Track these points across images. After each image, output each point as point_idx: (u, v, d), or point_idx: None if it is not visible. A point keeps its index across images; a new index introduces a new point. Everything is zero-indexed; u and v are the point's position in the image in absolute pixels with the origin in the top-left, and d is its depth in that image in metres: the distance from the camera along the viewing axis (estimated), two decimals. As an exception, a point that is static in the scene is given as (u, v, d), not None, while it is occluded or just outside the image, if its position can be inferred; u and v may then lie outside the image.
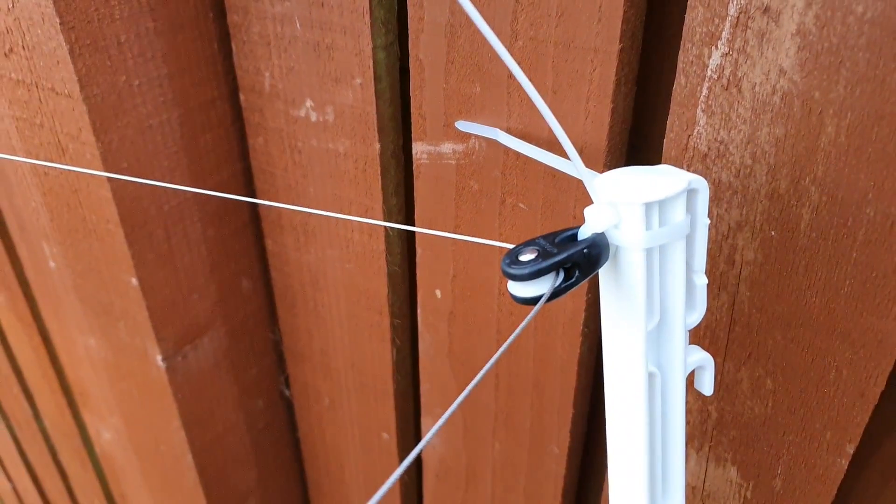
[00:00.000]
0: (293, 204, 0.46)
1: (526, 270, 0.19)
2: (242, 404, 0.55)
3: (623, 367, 0.23)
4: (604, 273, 0.22)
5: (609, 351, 0.23)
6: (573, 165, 0.22)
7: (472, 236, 0.37)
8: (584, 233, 0.21)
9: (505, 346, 0.19)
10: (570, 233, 0.21)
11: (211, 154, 0.46)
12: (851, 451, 0.31)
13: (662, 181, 0.21)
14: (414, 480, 0.56)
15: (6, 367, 1.00)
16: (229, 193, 0.47)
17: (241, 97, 0.44)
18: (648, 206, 0.20)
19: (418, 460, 0.53)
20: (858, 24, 0.23)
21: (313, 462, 0.61)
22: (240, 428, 0.56)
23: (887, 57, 0.23)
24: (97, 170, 0.41)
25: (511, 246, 0.21)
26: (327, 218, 0.45)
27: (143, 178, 0.42)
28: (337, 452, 0.58)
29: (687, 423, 0.35)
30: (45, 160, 0.44)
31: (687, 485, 0.37)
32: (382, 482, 0.56)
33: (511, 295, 0.20)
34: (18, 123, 0.44)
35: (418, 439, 0.53)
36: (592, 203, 0.21)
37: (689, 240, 0.22)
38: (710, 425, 0.34)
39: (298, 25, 0.39)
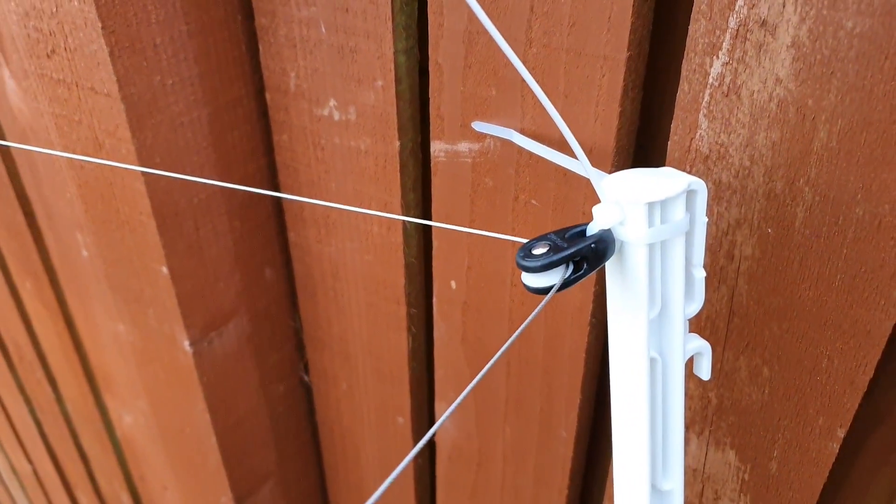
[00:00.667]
0: (315, 197, 0.48)
1: (538, 263, 0.22)
2: (264, 388, 0.58)
3: (627, 352, 0.25)
4: (610, 266, 0.24)
5: (614, 338, 0.25)
6: (581, 166, 0.24)
7: (487, 230, 0.39)
8: (592, 229, 0.23)
9: (517, 333, 0.21)
10: (578, 229, 0.23)
11: (237, 150, 0.48)
12: (842, 436, 0.33)
13: (664, 182, 0.23)
14: (427, 463, 0.58)
15: (30, 353, 1.03)
16: (254, 187, 0.49)
17: (267, 96, 0.47)
18: (651, 206, 0.22)
19: (432, 444, 0.55)
20: (848, 37, 0.25)
21: (330, 445, 0.64)
22: (261, 411, 0.59)
23: (874, 68, 0.25)
24: (132, 164, 0.43)
25: (524, 240, 0.23)
26: (348, 211, 0.47)
27: (175, 173, 0.45)
28: (353, 436, 0.60)
29: (688, 408, 0.37)
30: (82, 154, 0.47)
31: (688, 467, 0.39)
32: (397, 464, 0.59)
33: (524, 285, 0.22)
34: (58, 120, 0.47)
35: (432, 423, 0.55)
36: (600, 202, 0.24)
37: (689, 236, 0.24)
38: (710, 411, 0.37)
39: (324, 29, 0.41)
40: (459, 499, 0.54)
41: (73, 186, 0.51)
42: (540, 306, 0.21)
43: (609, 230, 0.23)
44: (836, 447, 0.33)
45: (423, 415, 0.55)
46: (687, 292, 0.25)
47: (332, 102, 0.43)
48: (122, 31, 0.40)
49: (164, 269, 0.47)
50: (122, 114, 0.41)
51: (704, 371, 0.27)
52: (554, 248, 0.22)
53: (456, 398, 0.48)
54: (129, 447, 0.94)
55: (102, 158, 0.45)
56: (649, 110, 0.35)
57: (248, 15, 0.45)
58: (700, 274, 0.25)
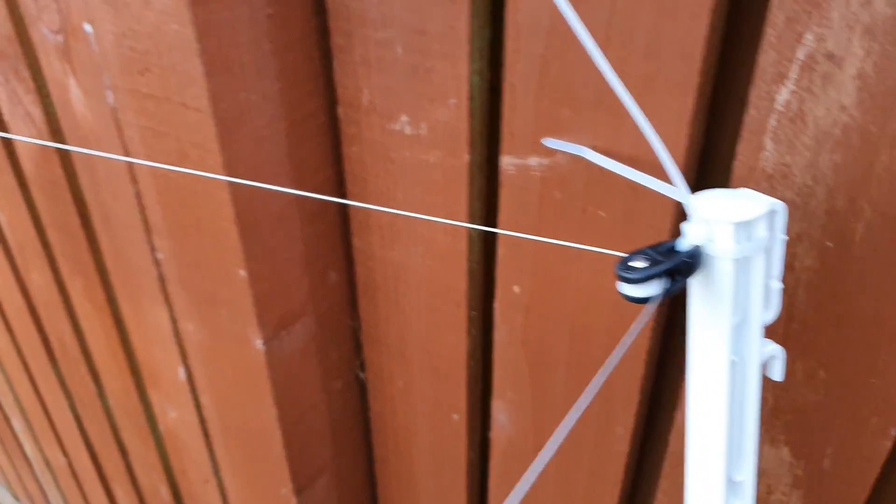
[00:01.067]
0: (383, 206, 0.51)
1: (640, 275, 0.24)
2: (324, 385, 0.61)
3: (709, 355, 0.27)
4: (696, 278, 0.27)
5: (696, 342, 0.28)
6: (665, 184, 0.27)
7: (554, 240, 0.42)
8: (684, 245, 0.26)
9: (627, 343, 0.23)
10: (669, 245, 0.26)
11: (310, 160, 0.51)
12: (895, 434, 0.35)
13: (748, 203, 0.26)
14: (478, 458, 0.61)
15: (75, 349, 1.07)
16: (324, 195, 0.52)
17: (340, 110, 0.50)
18: (738, 225, 0.25)
19: (486, 441, 0.58)
20: (913, 72, 0.28)
21: (382, 440, 0.67)
22: (321, 407, 0.62)
23: (937, 100, 0.28)
24: (219, 174, 0.46)
25: (611, 252, 0.26)
26: (413, 219, 0.50)
27: (256, 182, 0.48)
28: (406, 431, 0.63)
29: (744, 407, 0.40)
30: (166, 164, 0.50)
31: (741, 463, 0.42)
32: (449, 459, 0.62)
33: (624, 296, 0.25)
34: (143, 132, 0.50)
35: (486, 420, 0.58)
36: (669, 215, 0.26)
37: (769, 252, 0.27)
38: (766, 410, 0.39)
39: (400, 50, 0.44)
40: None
41: (153, 193, 0.54)
42: (645, 315, 0.24)
43: (699, 246, 0.26)
44: (888, 445, 0.35)
45: (477, 412, 0.58)
46: (765, 302, 0.28)
47: (405, 118, 0.46)
48: (214, 52, 0.43)
49: (243, 273, 0.50)
50: (212, 128, 0.45)
51: (777, 373, 0.29)
52: (653, 262, 0.25)
53: (514, 396, 0.51)
54: (171, 441, 0.97)
55: (188, 168, 0.48)
56: (710, 131, 0.37)
57: (324, 34, 0.48)
58: (777, 286, 0.28)
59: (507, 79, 0.40)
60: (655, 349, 0.44)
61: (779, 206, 0.26)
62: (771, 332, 0.37)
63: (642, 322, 0.25)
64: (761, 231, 0.26)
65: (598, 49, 0.22)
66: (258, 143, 0.47)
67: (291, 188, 0.50)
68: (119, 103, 0.51)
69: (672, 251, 0.26)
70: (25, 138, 0.71)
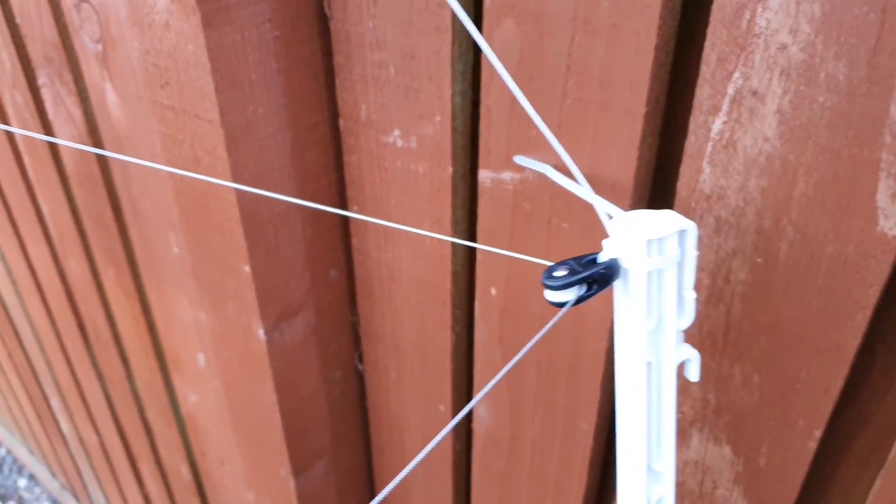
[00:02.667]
0: (378, 209, 0.56)
1: (558, 283, 0.28)
2: (323, 374, 0.66)
3: (629, 356, 0.31)
4: (617, 287, 0.31)
5: (619, 344, 0.32)
6: (603, 202, 0.31)
7: (524, 247, 0.46)
8: (603, 258, 0.30)
9: (539, 336, 0.27)
10: (591, 257, 0.30)
11: (312, 167, 0.56)
12: (819, 436, 0.38)
13: (663, 223, 0.30)
14: (464, 448, 0.65)
15: (106, 333, 1.14)
16: (325, 200, 0.57)
17: (341, 122, 0.54)
18: (650, 242, 0.29)
19: (469, 431, 0.62)
20: (820, 109, 0.31)
21: (378, 427, 0.71)
22: (320, 394, 0.67)
23: (841, 135, 0.31)
24: (227, 179, 0.51)
25: (549, 263, 0.30)
26: (404, 221, 0.55)
27: (261, 188, 0.53)
28: (399, 420, 0.68)
29: (691, 409, 0.43)
30: (181, 168, 0.56)
31: (690, 459, 0.45)
32: (437, 449, 0.66)
33: (546, 300, 0.29)
34: (164, 138, 0.56)
35: (470, 412, 0.62)
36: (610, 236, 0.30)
37: (681, 266, 0.30)
38: (709, 411, 0.43)
39: (393, 71, 0.48)
40: (492, 480, 0.61)
41: (171, 193, 0.59)
42: (556, 317, 0.28)
43: (616, 259, 0.29)
44: (813, 446, 0.39)
45: (462, 404, 0.62)
46: (679, 309, 0.31)
47: (397, 132, 0.51)
48: (225, 70, 0.48)
49: (247, 268, 0.55)
50: (222, 137, 0.50)
51: (693, 374, 0.33)
52: (572, 272, 0.29)
53: (493, 392, 0.55)
54: (192, 424, 1.03)
55: (200, 173, 0.53)
56: (667, 154, 0.41)
57: (328, 53, 0.52)
58: (690, 295, 0.31)
59: (483, 101, 0.44)
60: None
61: (690, 225, 0.30)
62: (712, 338, 0.40)
63: (555, 321, 0.29)
64: (672, 247, 0.30)
65: (522, 93, 0.26)
66: (264, 152, 0.52)
67: (295, 193, 0.55)
68: (143, 111, 0.57)
69: (592, 263, 0.30)
70: (64, 141, 0.77)
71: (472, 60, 0.46)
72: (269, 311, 0.58)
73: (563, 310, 0.28)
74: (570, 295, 0.28)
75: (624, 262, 0.30)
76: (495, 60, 0.25)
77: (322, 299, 0.62)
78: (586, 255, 0.30)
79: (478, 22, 0.42)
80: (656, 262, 0.29)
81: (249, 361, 0.63)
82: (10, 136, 0.95)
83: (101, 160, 0.77)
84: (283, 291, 0.59)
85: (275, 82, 0.51)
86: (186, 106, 0.51)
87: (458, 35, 0.44)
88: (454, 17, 0.43)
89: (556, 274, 0.29)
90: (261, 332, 0.59)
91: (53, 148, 0.87)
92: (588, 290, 0.29)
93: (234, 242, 0.55)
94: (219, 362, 0.69)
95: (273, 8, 0.48)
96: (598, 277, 0.29)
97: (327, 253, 0.61)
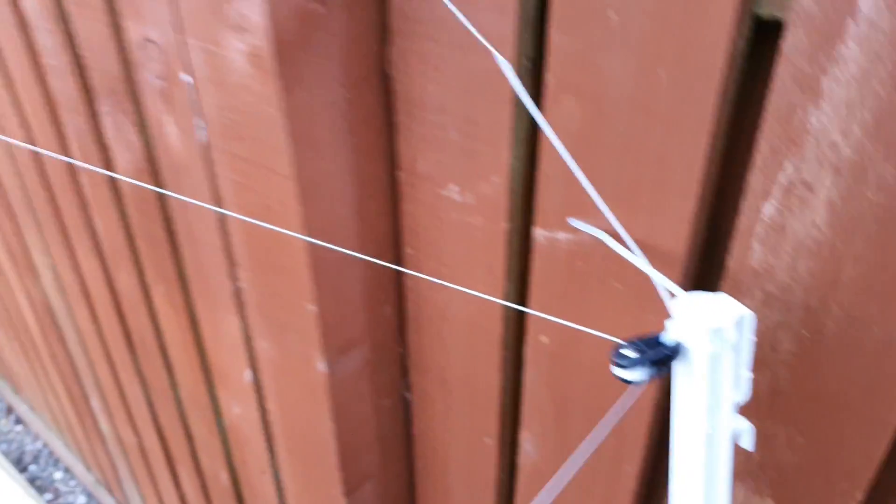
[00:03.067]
0: (432, 255, 0.59)
1: (629, 363, 0.31)
2: (374, 403, 0.70)
3: (689, 427, 0.34)
4: (678, 366, 0.33)
5: (679, 416, 0.35)
6: (662, 278, 0.34)
7: (577, 304, 0.49)
8: (668, 340, 0.33)
9: (608, 427, 0.30)
10: (656, 338, 0.33)
11: (373, 215, 0.59)
12: (860, 498, 0.41)
13: (722, 309, 0.32)
14: (508, 479, 0.68)
15: (152, 343, 1.18)
16: (384, 244, 0.61)
17: (400, 175, 0.58)
18: (713, 331, 0.32)
19: (513, 464, 0.65)
20: (870, 204, 0.34)
21: (423, 454, 0.75)
22: (371, 422, 0.70)
23: (889, 230, 0.33)
24: (297, 229, 0.55)
25: (610, 337, 0.33)
26: (457, 268, 0.58)
27: (327, 235, 0.56)
28: (444, 449, 0.71)
29: (737, 463, 0.46)
30: (251, 216, 0.59)
31: (732, 507, 0.48)
32: (482, 477, 0.69)
33: (616, 376, 0.32)
34: (235, 185, 0.59)
35: (515, 446, 0.65)
36: (668, 294, 0.33)
37: (738, 349, 0.33)
38: (753, 466, 0.45)
39: (452, 133, 0.51)
40: (534, 511, 0.64)
41: (241, 234, 0.63)
42: (625, 398, 0.31)
43: (680, 342, 0.32)
44: (854, 506, 0.41)
45: (508, 438, 0.65)
46: (736, 386, 0.34)
47: (454, 187, 0.54)
48: (300, 130, 0.51)
49: (312, 307, 0.59)
50: (295, 191, 0.53)
51: (748, 444, 0.35)
52: (640, 352, 0.32)
53: (539, 428, 0.58)
54: (234, 434, 1.07)
55: (271, 221, 0.57)
56: (718, 227, 0.44)
57: (391, 111, 0.56)
58: (746, 375, 0.34)
59: (541, 168, 0.47)
60: (663, 401, 0.50)
61: (747, 314, 0.33)
62: (757, 400, 0.43)
63: (629, 400, 0.32)
64: (731, 334, 0.32)
65: (579, 166, 0.29)
66: (331, 203, 0.56)
67: (357, 238, 0.59)
68: (216, 158, 0.61)
69: (658, 343, 0.33)
70: (120, 176, 0.81)
71: (530, 128, 0.49)
72: (329, 346, 0.62)
73: (636, 387, 0.31)
74: (640, 374, 0.31)
75: (687, 345, 0.32)
76: (553, 136, 0.28)
77: (376, 334, 0.66)
78: (651, 336, 0.33)
79: (539, 94, 0.45)
80: (717, 346, 0.32)
81: (308, 389, 0.67)
82: (64, 154, 1.00)
83: (158, 182, 0.81)
84: (342, 328, 0.62)
85: (342, 140, 0.54)
86: (261, 160, 0.55)
87: (518, 105, 0.47)
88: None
89: (625, 353, 0.32)
90: (321, 365, 0.63)
91: (109, 168, 0.91)
92: (656, 369, 0.32)
93: (301, 284, 0.59)
94: (276, 387, 0.73)
95: (343, 72, 0.52)
96: (664, 359, 0.32)
97: (382, 291, 0.64)
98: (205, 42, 0.53)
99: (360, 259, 0.60)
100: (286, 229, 0.56)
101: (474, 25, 0.45)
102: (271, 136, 0.52)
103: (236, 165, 0.58)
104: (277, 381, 0.71)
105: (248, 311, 0.70)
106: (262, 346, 0.71)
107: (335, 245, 0.57)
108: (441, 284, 0.60)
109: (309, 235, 0.55)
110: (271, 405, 0.77)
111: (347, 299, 0.61)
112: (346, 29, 0.50)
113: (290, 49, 0.48)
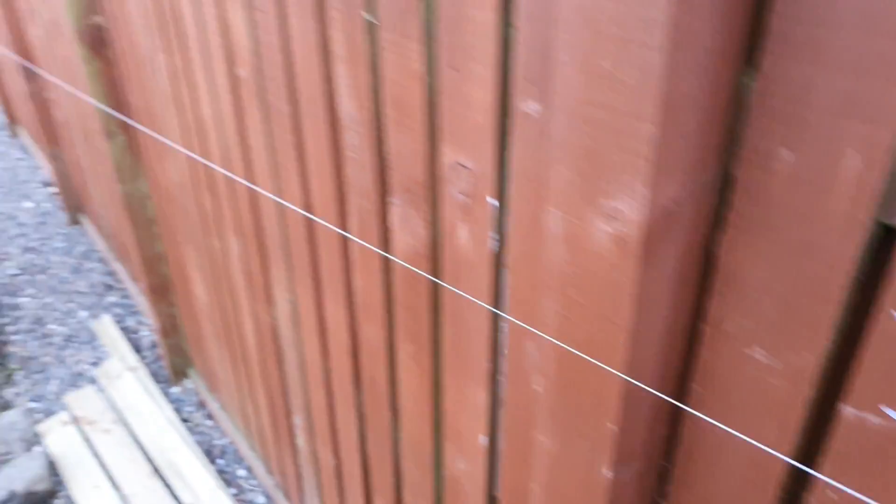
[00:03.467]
0: (720, 400, 0.70)
1: None
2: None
3: None
4: None
5: None
6: None
7: (882, 487, 0.57)
8: None
9: None
10: None
11: (672, 357, 0.71)
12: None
13: None
14: None
15: (383, 388, 1.29)
16: (671, 377, 0.72)
17: (705, 328, 0.69)
18: None
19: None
20: None
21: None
22: (630, 522, 0.81)
23: None
24: (617, 368, 0.68)
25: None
26: (746, 414, 0.68)
27: (635, 374, 0.69)
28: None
29: None
30: (567, 342, 0.73)
31: None
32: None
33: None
34: (562, 320, 0.73)
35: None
36: None
37: None
38: None
39: (770, 310, 0.62)
40: None
41: (548, 349, 0.77)
42: None
43: None
44: None
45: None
46: None
47: (760, 350, 0.64)
48: (640, 296, 0.64)
49: (613, 426, 0.71)
50: (626, 340, 0.66)
51: None
52: None
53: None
54: (452, 484, 1.18)
55: (590, 353, 0.71)
56: None
57: (706, 276, 0.67)
58: None
59: (864, 358, 0.56)
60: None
61: None
62: None
63: None
64: None
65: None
66: (645, 346, 0.68)
67: (654, 373, 0.70)
68: (544, 294, 0.75)
69: None
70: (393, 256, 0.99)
71: (851, 323, 0.58)
72: (617, 458, 0.74)
73: None
74: None
75: None
76: None
77: (649, 450, 0.77)
78: None
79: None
80: None
81: (586, 489, 0.79)
82: (339, 221, 1.16)
83: (433, 268, 0.96)
84: (628, 444, 0.74)
85: (664, 302, 0.66)
86: (598, 309, 0.68)
87: (845, 307, 0.57)
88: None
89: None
90: (607, 472, 0.75)
91: (385, 246, 1.08)
92: None
93: (608, 407, 0.71)
94: (550, 481, 0.86)
95: (680, 249, 0.64)
96: None
97: (663, 414, 0.75)
98: (566, 214, 0.68)
99: (647, 402, 0.72)
100: (604, 363, 0.69)
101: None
102: (616, 295, 0.66)
103: (565, 307, 0.72)
104: (552, 472, 0.84)
105: (538, 409, 0.83)
106: (541, 439, 0.84)
107: (636, 380, 0.69)
108: (722, 435, 0.70)
109: (626, 373, 0.68)
110: (533, 484, 0.90)
111: (636, 423, 0.73)
112: (690, 222, 0.63)
113: (652, 239, 0.61)
